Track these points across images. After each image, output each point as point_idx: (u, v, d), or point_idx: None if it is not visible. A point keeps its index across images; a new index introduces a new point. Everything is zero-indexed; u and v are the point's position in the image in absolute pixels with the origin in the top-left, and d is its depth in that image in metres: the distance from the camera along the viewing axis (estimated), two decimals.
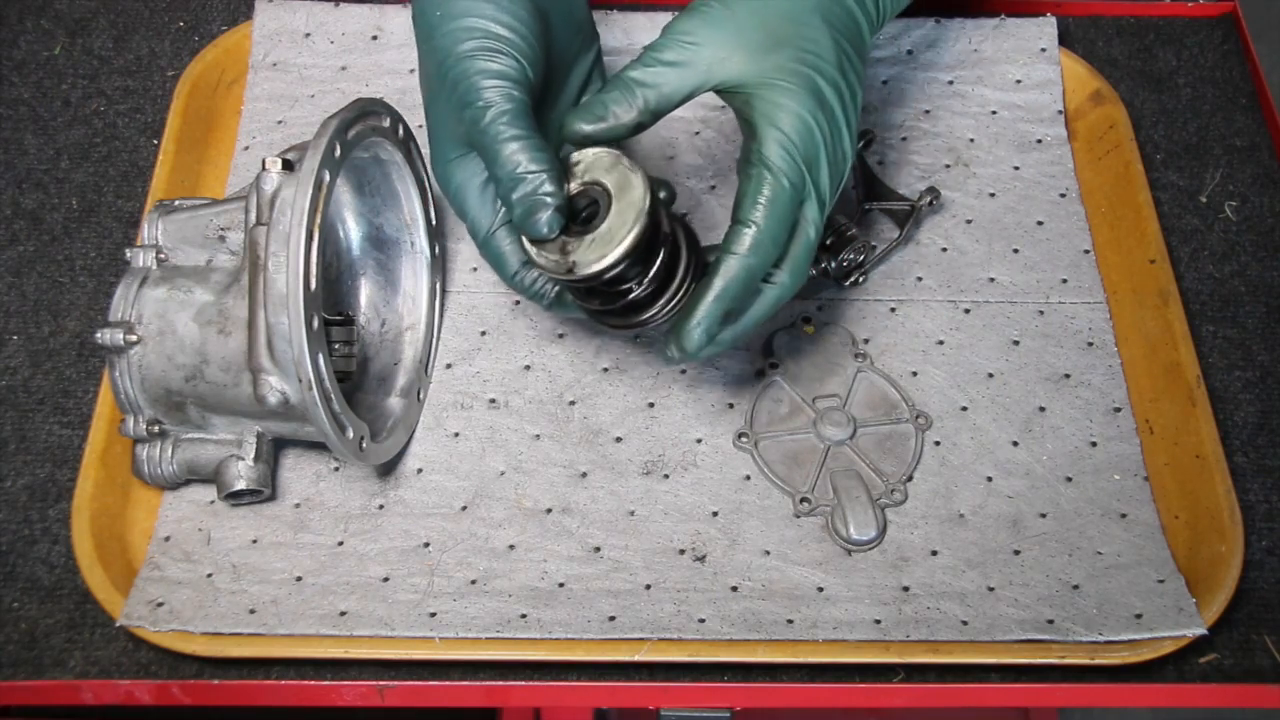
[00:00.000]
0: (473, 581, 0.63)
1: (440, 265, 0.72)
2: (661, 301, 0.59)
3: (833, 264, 0.72)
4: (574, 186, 0.58)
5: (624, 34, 0.82)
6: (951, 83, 0.82)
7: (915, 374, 0.71)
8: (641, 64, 0.59)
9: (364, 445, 0.61)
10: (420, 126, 0.68)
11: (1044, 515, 0.66)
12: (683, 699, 0.62)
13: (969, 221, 0.77)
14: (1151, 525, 0.66)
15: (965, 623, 0.62)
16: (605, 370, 0.71)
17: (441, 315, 0.73)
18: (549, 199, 0.56)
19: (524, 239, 0.58)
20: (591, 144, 0.58)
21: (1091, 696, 0.62)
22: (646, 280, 0.58)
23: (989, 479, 0.67)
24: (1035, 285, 0.74)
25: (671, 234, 0.59)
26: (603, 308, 0.61)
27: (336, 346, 0.66)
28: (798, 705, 0.63)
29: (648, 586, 0.63)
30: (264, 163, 0.59)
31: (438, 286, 0.72)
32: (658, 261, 0.58)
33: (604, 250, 0.56)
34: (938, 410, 0.70)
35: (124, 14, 0.86)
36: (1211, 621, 0.61)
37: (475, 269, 0.75)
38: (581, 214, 0.58)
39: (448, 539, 0.65)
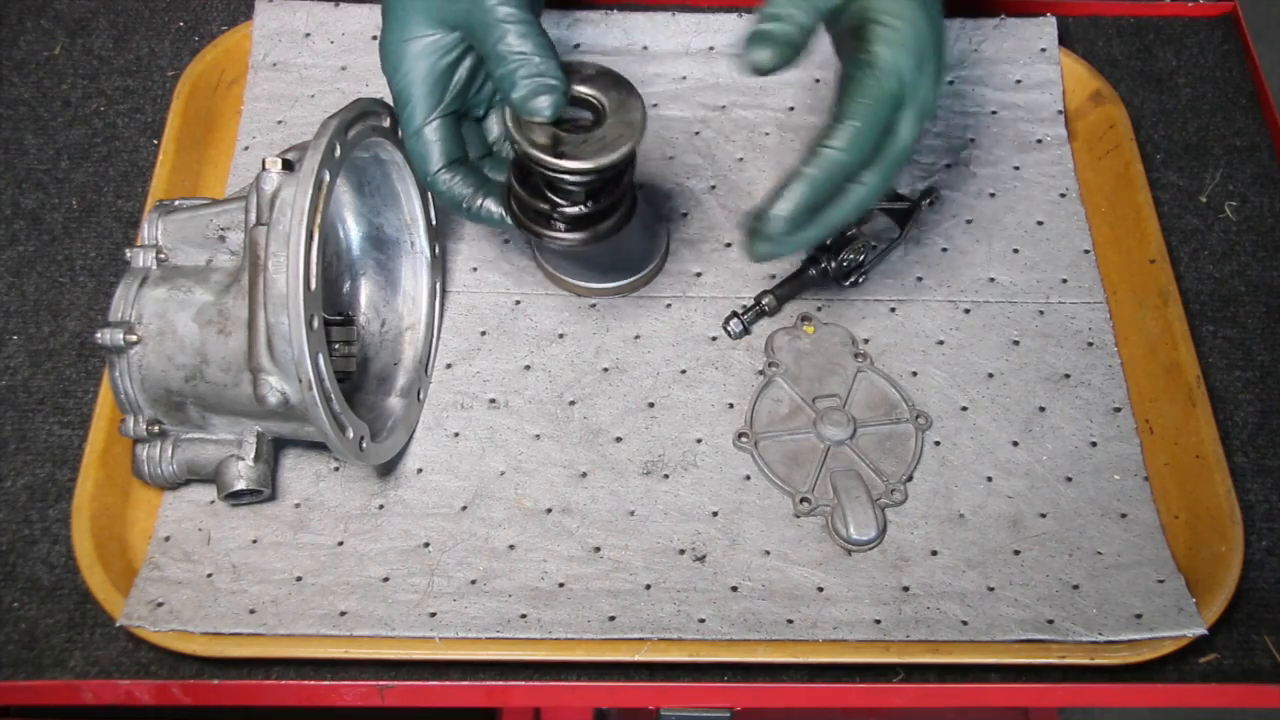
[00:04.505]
0: (473, 581, 0.63)
1: (440, 265, 0.72)
2: (603, 226, 0.64)
3: (833, 264, 0.72)
4: (574, 89, 0.61)
5: (624, 34, 0.82)
6: (951, 83, 0.82)
7: (915, 374, 0.71)
8: None
9: (364, 445, 0.61)
10: None
11: (1044, 515, 0.66)
12: (683, 699, 0.62)
13: (969, 221, 0.77)
14: (1151, 525, 0.66)
15: (965, 623, 0.62)
16: (605, 370, 0.71)
17: (441, 315, 0.73)
18: (556, 83, 0.59)
19: (508, 119, 0.60)
20: (764, 73, 0.58)
21: (1091, 696, 0.62)
22: (606, 198, 0.63)
23: (989, 479, 0.67)
24: (1035, 285, 0.74)
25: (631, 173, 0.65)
26: (540, 215, 0.63)
27: (336, 346, 0.66)
28: (798, 705, 0.63)
29: (648, 586, 0.63)
30: (264, 163, 0.59)
31: (438, 286, 0.72)
32: (623, 184, 0.64)
33: (602, 151, 0.59)
34: (938, 410, 0.70)
35: (124, 14, 0.86)
36: (1211, 621, 0.61)
37: (475, 269, 0.75)
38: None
39: (448, 539, 0.65)
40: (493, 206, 0.65)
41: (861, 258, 0.73)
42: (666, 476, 0.67)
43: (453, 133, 0.64)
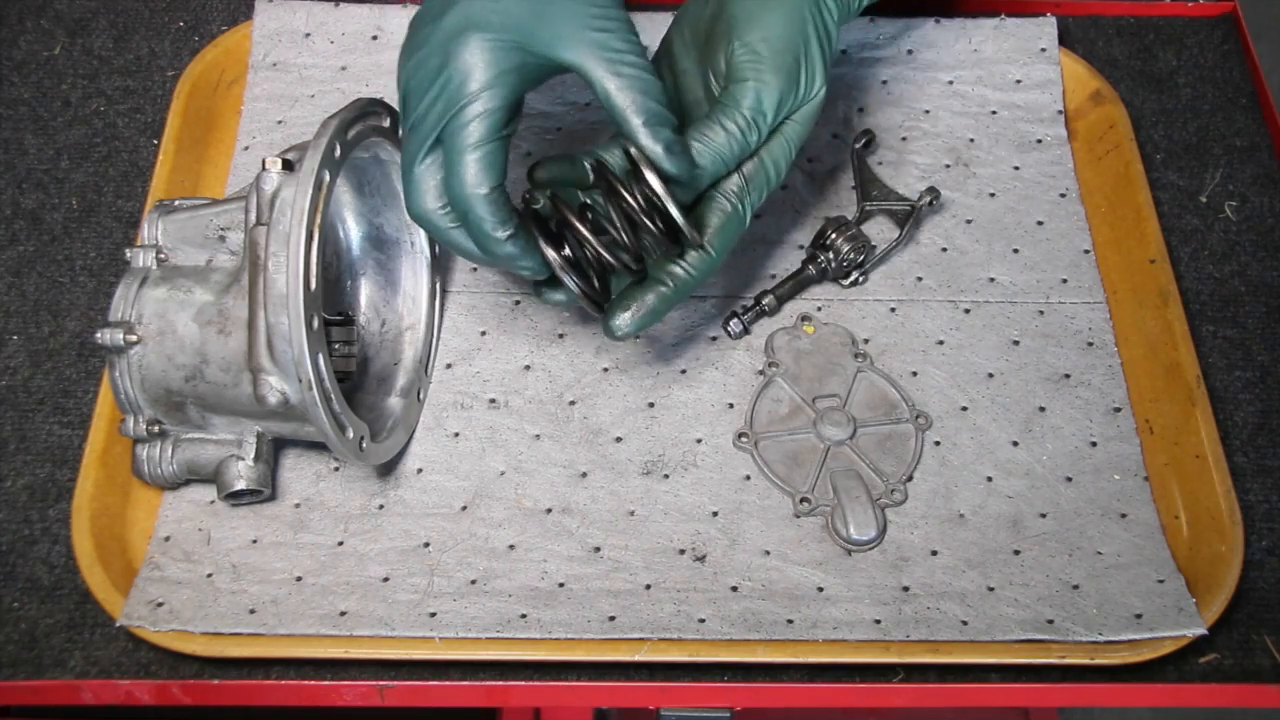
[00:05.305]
0: (473, 581, 0.63)
1: (440, 265, 0.72)
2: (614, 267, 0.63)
3: (833, 264, 0.72)
4: None
5: None
6: (951, 83, 0.82)
7: (915, 374, 0.71)
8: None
9: (364, 445, 0.61)
10: None
11: (1044, 515, 0.66)
12: (683, 699, 0.62)
13: (969, 221, 0.77)
14: (1151, 525, 0.66)
15: (965, 623, 0.62)
16: (605, 370, 0.71)
17: (441, 315, 0.73)
18: (681, 138, 0.60)
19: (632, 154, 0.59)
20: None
21: (1091, 696, 0.62)
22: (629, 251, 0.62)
23: (989, 479, 0.67)
24: (1035, 285, 0.74)
25: None
26: (576, 255, 0.61)
27: (336, 346, 0.66)
28: (798, 705, 0.63)
29: (648, 586, 0.63)
30: (264, 163, 0.59)
31: (438, 286, 0.72)
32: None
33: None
34: (938, 410, 0.70)
35: (124, 14, 0.86)
36: (1211, 621, 0.61)
37: (475, 269, 0.75)
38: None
39: (448, 539, 0.65)
40: (519, 247, 0.59)
41: (861, 258, 0.73)
42: (666, 476, 0.67)
43: (506, 153, 0.59)
